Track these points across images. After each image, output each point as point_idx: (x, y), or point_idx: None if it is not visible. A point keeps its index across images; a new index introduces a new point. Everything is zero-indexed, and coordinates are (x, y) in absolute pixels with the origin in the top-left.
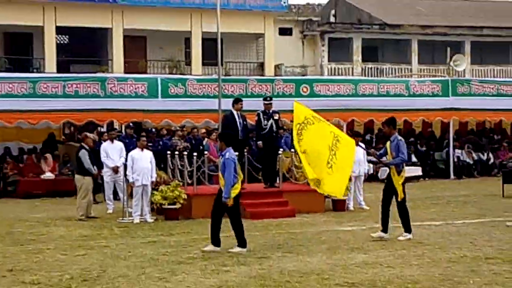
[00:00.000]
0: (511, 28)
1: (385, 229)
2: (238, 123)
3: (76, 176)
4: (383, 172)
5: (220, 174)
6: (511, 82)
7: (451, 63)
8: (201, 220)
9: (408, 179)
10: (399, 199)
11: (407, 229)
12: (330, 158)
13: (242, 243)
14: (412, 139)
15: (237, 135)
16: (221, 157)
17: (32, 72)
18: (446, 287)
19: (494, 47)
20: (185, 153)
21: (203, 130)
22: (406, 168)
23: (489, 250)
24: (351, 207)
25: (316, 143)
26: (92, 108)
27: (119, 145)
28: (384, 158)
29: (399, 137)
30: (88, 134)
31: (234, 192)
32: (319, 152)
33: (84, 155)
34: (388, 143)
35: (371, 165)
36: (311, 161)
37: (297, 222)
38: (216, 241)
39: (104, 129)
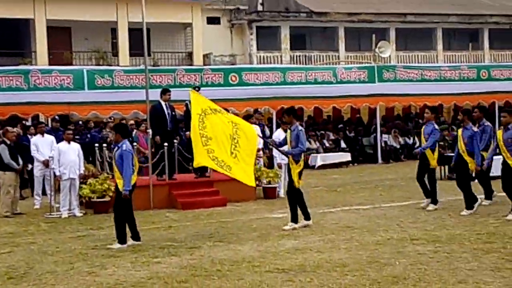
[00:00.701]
0: (434, 14)
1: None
2: (166, 114)
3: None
4: (313, 159)
5: (115, 166)
6: (435, 68)
7: (377, 50)
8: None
9: (338, 165)
10: (296, 187)
11: (307, 217)
12: (232, 147)
13: (122, 239)
14: (340, 125)
15: (165, 126)
16: (116, 148)
17: None
18: (373, 269)
19: (418, 34)
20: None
21: (132, 122)
22: (331, 154)
23: (414, 232)
24: (281, 194)
25: (218, 133)
26: (16, 102)
27: (49, 138)
28: (285, 147)
29: (300, 127)
30: (9, 128)
31: (132, 181)
32: (222, 141)
33: (3, 150)
34: (288, 132)
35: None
36: (216, 149)
37: (228, 211)
38: (136, 236)
39: (29, 123)
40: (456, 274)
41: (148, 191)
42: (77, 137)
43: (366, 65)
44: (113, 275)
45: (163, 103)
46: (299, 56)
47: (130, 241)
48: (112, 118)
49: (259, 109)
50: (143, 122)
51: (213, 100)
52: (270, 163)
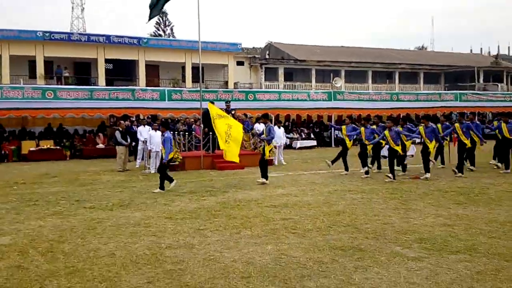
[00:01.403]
0: (366, 62)
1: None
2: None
3: (116, 146)
4: (295, 144)
5: (161, 146)
6: (366, 93)
7: (333, 82)
8: (190, 171)
9: (309, 147)
10: (265, 158)
11: (265, 177)
12: (226, 138)
13: (162, 186)
14: (311, 124)
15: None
16: (162, 136)
17: (90, 85)
18: (325, 206)
19: (357, 73)
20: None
21: (192, 120)
22: (305, 141)
23: (350, 186)
24: (276, 163)
25: (220, 130)
26: (126, 106)
27: (147, 128)
28: (262, 136)
29: (270, 124)
30: (121, 121)
31: (170, 156)
32: (222, 135)
33: (117, 134)
34: (264, 127)
35: (287, 139)
36: (220, 141)
37: (245, 171)
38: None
39: (133, 119)
40: (373, 211)
41: (199, 159)
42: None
43: (327, 90)
44: (178, 205)
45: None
46: (289, 85)
47: (167, 187)
48: (182, 118)
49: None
50: (198, 120)
51: (238, 109)
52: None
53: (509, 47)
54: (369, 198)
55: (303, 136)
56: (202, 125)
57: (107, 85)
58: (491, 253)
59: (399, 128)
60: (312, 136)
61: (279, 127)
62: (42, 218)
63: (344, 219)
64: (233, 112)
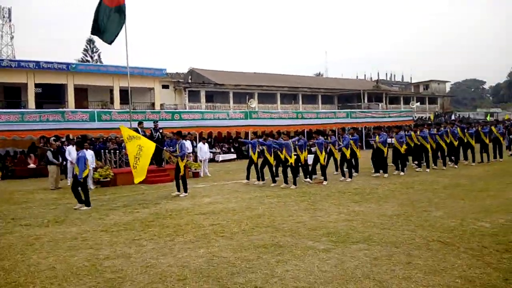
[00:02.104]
0: (275, 86)
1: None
2: (141, 135)
3: (48, 166)
4: (217, 157)
5: (75, 165)
6: (276, 112)
7: (249, 103)
8: (122, 186)
9: (229, 160)
10: (181, 174)
11: (185, 191)
12: (135, 162)
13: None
14: (231, 140)
15: None
16: (44, 157)
17: (21, 108)
18: (248, 211)
19: (268, 95)
20: (113, 151)
21: (122, 139)
22: (226, 155)
23: (268, 192)
24: (201, 175)
25: (130, 154)
26: (56, 128)
27: (75, 148)
28: (176, 152)
29: (183, 141)
30: (53, 142)
31: (85, 173)
32: (131, 159)
33: (49, 154)
34: (177, 145)
35: (211, 153)
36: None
37: (174, 184)
38: (87, 202)
39: (63, 139)
40: (288, 212)
41: (131, 175)
42: (91, 146)
43: (243, 110)
44: (113, 219)
45: (139, 129)
46: (210, 106)
47: (75, 206)
48: (111, 137)
49: (189, 132)
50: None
51: (165, 128)
52: (195, 159)
53: (386, 73)
54: (284, 202)
55: (224, 150)
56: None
57: (37, 108)
58: (384, 241)
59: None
60: (232, 150)
61: (203, 143)
62: None
63: (264, 221)
64: (161, 131)
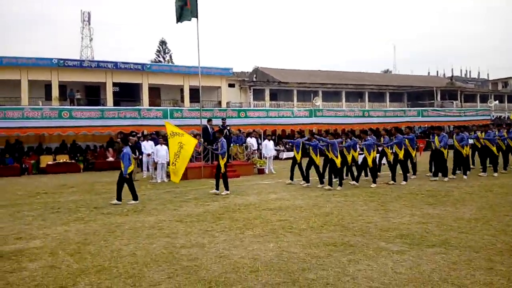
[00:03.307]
0: (340, 84)
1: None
2: (210, 131)
3: None
4: (281, 155)
5: (121, 161)
6: (341, 110)
7: (313, 101)
8: (192, 180)
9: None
10: (222, 171)
11: (227, 188)
12: (175, 159)
13: (135, 197)
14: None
15: (209, 137)
16: (121, 151)
17: (100, 106)
18: (315, 208)
19: (333, 94)
20: None
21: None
22: (290, 152)
23: (334, 191)
24: (266, 171)
25: (171, 150)
26: (132, 124)
27: (151, 142)
28: (219, 150)
29: (223, 139)
30: (130, 137)
31: (129, 170)
32: (171, 156)
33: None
34: (218, 143)
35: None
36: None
37: (241, 179)
38: (119, 197)
39: (140, 135)
40: (357, 211)
41: (200, 169)
42: (164, 142)
43: (308, 108)
44: (186, 210)
45: (208, 126)
46: (274, 104)
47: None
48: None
49: (254, 130)
50: (197, 135)
51: (232, 125)
52: (260, 156)
53: (461, 70)
54: (352, 201)
55: (288, 148)
56: (202, 139)
57: (114, 105)
58: (462, 246)
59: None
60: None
61: (269, 140)
62: (66, 223)
63: (333, 219)
64: (228, 128)
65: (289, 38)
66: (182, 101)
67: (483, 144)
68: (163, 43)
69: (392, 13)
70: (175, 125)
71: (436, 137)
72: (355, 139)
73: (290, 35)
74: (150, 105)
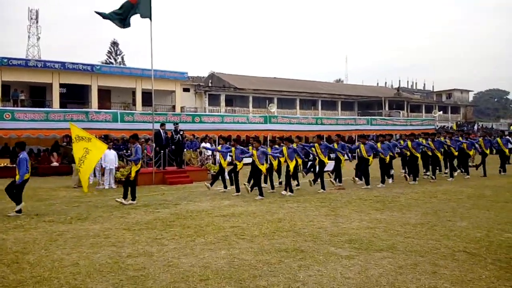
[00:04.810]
0: (295, 92)
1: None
2: (163, 136)
3: (72, 164)
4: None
5: (17, 168)
6: (295, 117)
7: (268, 107)
8: (143, 186)
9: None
10: (131, 178)
11: (133, 198)
12: (79, 165)
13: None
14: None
15: (161, 142)
16: (17, 158)
17: (45, 108)
18: (268, 214)
19: (288, 100)
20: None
21: (143, 140)
22: (246, 159)
23: (286, 197)
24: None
25: (76, 155)
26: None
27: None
28: (132, 156)
29: (138, 145)
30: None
31: (25, 177)
32: (76, 161)
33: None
34: (133, 149)
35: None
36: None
37: (194, 185)
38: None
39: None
40: (308, 217)
41: (151, 175)
42: (114, 146)
43: (263, 115)
44: (134, 218)
45: (161, 130)
46: (229, 109)
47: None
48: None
49: (208, 135)
50: (149, 140)
51: (186, 130)
52: (214, 162)
53: (407, 81)
54: (304, 207)
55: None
56: (153, 144)
57: (61, 107)
58: (408, 250)
59: (268, 149)
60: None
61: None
62: (4, 231)
63: (285, 225)
64: (181, 133)
65: (246, 45)
66: (134, 104)
67: (406, 153)
68: (114, 44)
69: (345, 27)
70: (82, 129)
71: (362, 145)
72: (300, 145)
73: (247, 43)
74: (99, 108)
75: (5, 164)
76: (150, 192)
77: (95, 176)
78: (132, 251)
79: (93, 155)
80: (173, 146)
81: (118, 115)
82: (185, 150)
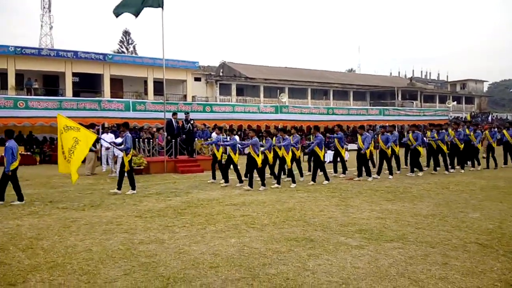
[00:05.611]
0: (306, 81)
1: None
2: (174, 125)
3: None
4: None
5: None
6: (307, 107)
7: (279, 97)
8: (155, 174)
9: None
10: (125, 169)
11: (133, 187)
12: (69, 155)
13: (20, 198)
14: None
15: (173, 131)
16: (4, 145)
17: (58, 96)
18: (278, 204)
19: (298, 90)
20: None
21: (155, 129)
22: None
23: (297, 187)
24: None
25: (65, 145)
26: (93, 116)
27: (111, 135)
28: (122, 146)
29: (129, 134)
30: (90, 129)
31: (12, 166)
32: (65, 151)
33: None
34: (123, 138)
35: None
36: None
37: (205, 174)
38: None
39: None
40: (318, 207)
41: (163, 164)
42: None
43: (274, 104)
44: (146, 205)
45: (172, 119)
46: (240, 99)
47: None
48: (145, 126)
49: (216, 124)
50: (161, 129)
51: (197, 119)
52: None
53: (421, 71)
54: (314, 197)
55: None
56: (165, 133)
57: (74, 96)
58: (419, 241)
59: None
60: (260, 143)
61: (234, 135)
62: (19, 218)
63: (295, 215)
64: (192, 122)
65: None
66: (146, 93)
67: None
68: (126, 33)
69: (359, 16)
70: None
71: (359, 136)
72: (297, 136)
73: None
74: (111, 97)
75: (20, 152)
76: (162, 181)
77: (108, 164)
78: (144, 238)
79: (83, 144)
80: (183, 135)
81: (130, 104)
82: (196, 139)
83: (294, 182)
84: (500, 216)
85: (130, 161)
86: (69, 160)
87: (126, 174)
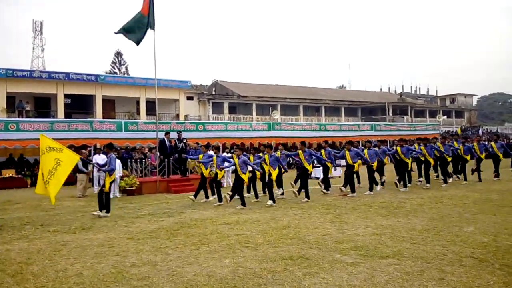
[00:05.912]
0: (298, 98)
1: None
2: (167, 144)
3: (77, 174)
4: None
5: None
6: (299, 124)
7: (272, 115)
8: (147, 195)
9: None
10: (105, 190)
11: (106, 208)
12: (48, 177)
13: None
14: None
15: (166, 150)
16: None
17: (50, 118)
18: (272, 222)
19: (291, 107)
20: (139, 160)
21: (147, 149)
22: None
23: (291, 204)
24: (225, 185)
25: (45, 167)
26: (84, 137)
27: (103, 156)
28: (106, 167)
29: (113, 155)
30: (83, 150)
31: None
32: (44, 173)
33: (79, 162)
34: (108, 159)
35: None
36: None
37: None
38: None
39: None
40: (313, 224)
41: (156, 184)
42: (118, 155)
43: (266, 121)
44: (138, 227)
45: (165, 139)
46: (233, 117)
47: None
48: (137, 146)
49: (208, 143)
50: (153, 149)
51: (190, 138)
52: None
53: (411, 86)
54: (309, 214)
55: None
56: (158, 153)
57: (66, 118)
58: (415, 256)
59: (251, 156)
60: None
61: (227, 153)
62: (8, 242)
63: (290, 233)
64: (184, 141)
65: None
66: (138, 113)
67: (398, 158)
68: (118, 54)
69: (348, 33)
70: (54, 139)
71: (347, 152)
72: (284, 152)
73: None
74: (104, 118)
75: (10, 175)
76: (155, 201)
77: (99, 185)
78: (136, 260)
79: (65, 166)
80: (176, 155)
81: (122, 124)
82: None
83: (272, 199)
84: (495, 229)
85: (111, 183)
86: (48, 181)
87: (103, 195)
